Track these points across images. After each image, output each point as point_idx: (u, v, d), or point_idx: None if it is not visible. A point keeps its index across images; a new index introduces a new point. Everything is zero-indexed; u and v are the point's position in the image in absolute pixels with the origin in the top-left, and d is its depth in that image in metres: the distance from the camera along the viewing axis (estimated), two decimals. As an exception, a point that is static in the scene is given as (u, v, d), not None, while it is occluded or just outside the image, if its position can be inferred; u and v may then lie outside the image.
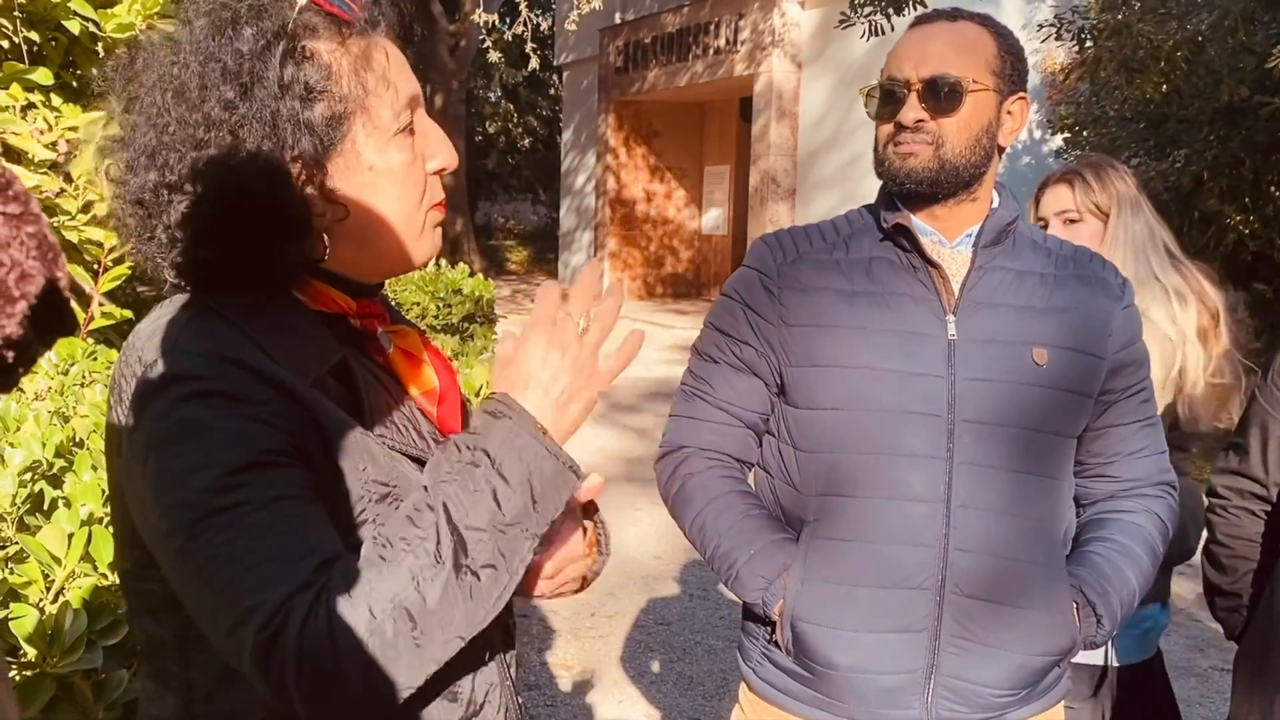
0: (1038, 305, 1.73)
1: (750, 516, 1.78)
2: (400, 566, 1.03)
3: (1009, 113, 1.74)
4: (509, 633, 1.33)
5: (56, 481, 1.95)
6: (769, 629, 1.79)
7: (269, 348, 1.11)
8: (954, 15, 1.74)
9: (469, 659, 1.17)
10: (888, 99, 1.71)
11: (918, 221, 1.74)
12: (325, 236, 1.16)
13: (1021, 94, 1.74)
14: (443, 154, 1.24)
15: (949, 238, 1.75)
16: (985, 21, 1.74)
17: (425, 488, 1.08)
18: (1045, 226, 2.56)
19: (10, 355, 0.44)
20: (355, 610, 1.01)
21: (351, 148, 1.15)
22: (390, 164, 1.17)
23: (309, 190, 1.13)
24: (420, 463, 1.19)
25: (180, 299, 1.17)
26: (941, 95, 1.67)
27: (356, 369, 1.18)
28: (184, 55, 1.11)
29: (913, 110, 1.68)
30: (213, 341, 1.10)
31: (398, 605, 1.02)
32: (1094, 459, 1.84)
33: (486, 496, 1.06)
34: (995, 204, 1.78)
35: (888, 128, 1.72)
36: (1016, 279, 1.75)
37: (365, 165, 1.16)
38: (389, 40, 1.21)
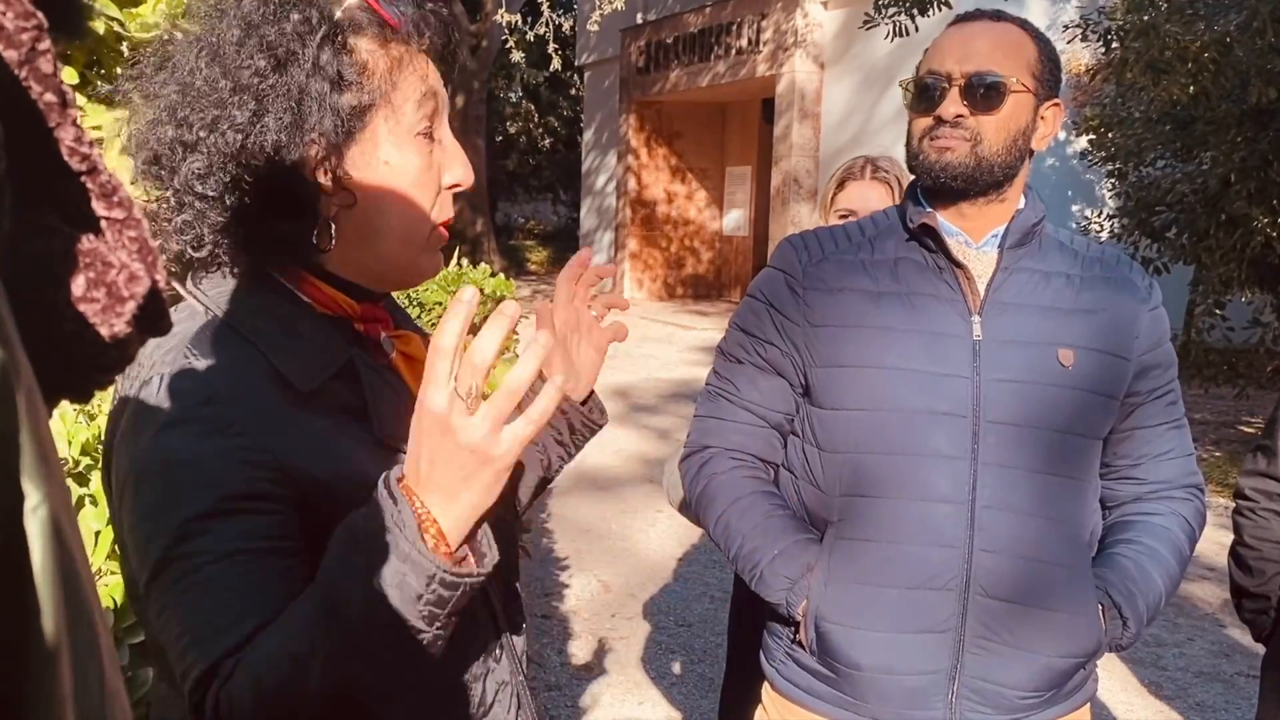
0: (1064, 306, 1.72)
1: (774, 517, 1.78)
2: (283, 643, 1.00)
3: (1043, 117, 1.74)
4: (516, 627, 1.32)
5: (83, 479, 1.96)
6: (793, 629, 1.79)
7: (275, 355, 1.12)
8: (997, 15, 1.73)
9: (475, 657, 1.19)
10: (927, 92, 1.70)
11: (944, 222, 1.74)
12: (332, 226, 1.16)
13: (1056, 100, 1.75)
14: (459, 169, 1.24)
15: (975, 238, 1.75)
16: (1026, 25, 1.74)
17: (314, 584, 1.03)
18: (845, 218, 2.66)
19: (114, 353, 0.46)
20: (246, 696, 0.99)
21: (371, 138, 1.16)
22: (406, 163, 1.18)
23: (321, 171, 1.14)
24: None
25: (187, 307, 1.17)
26: (985, 93, 1.66)
27: (362, 371, 1.18)
28: (226, 23, 1.12)
29: (953, 105, 1.67)
30: (210, 359, 1.10)
31: (278, 691, 0.99)
32: (1120, 461, 1.83)
33: (358, 591, 0.98)
34: (1021, 205, 1.77)
35: (925, 121, 1.71)
36: (1043, 280, 1.74)
37: (381, 159, 1.17)
38: (424, 50, 1.22)
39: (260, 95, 1.10)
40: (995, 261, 1.73)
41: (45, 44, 0.40)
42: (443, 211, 1.24)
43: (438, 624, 0.99)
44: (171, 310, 1.17)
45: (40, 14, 0.40)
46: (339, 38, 1.13)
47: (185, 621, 1.04)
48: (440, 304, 6.14)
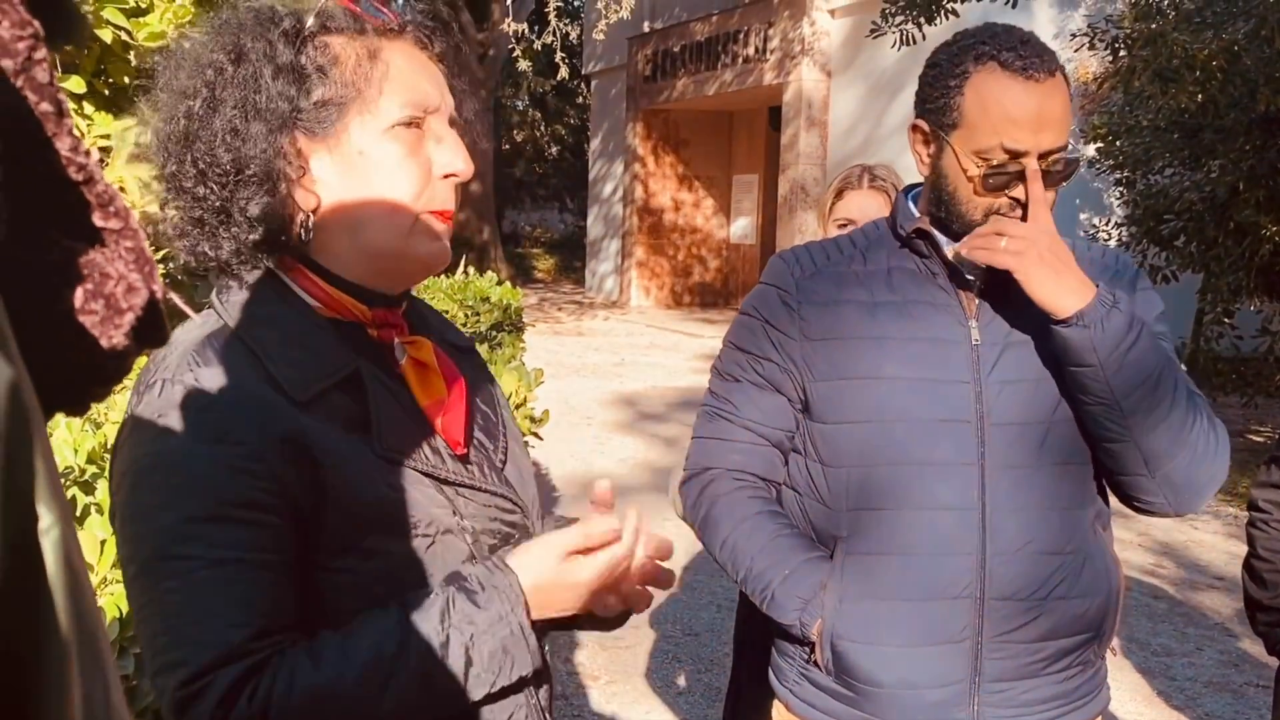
0: None
1: (782, 537, 1.75)
2: (353, 688, 1.08)
3: None
4: (545, 672, 1.33)
5: (88, 488, 1.96)
6: (807, 648, 1.76)
7: (276, 364, 1.14)
8: (1050, 66, 1.61)
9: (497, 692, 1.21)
10: (1000, 172, 1.61)
11: (936, 232, 1.72)
12: (310, 219, 1.19)
13: None
14: (454, 159, 1.24)
15: None
16: (1063, 69, 1.64)
17: (406, 615, 1.13)
18: (844, 227, 2.66)
19: (112, 365, 0.46)
20: (295, 713, 1.06)
21: (344, 129, 1.18)
22: (382, 153, 1.19)
23: (284, 158, 1.16)
24: (431, 477, 1.20)
25: (202, 316, 1.22)
26: (1058, 175, 1.62)
27: (368, 382, 1.19)
28: (204, 30, 1.20)
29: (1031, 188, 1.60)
30: (211, 366, 1.13)
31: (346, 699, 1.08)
32: None
33: (458, 666, 1.13)
34: None
35: (997, 200, 1.63)
36: None
37: (355, 150, 1.19)
38: (417, 49, 1.25)
39: (213, 85, 1.14)
40: (989, 266, 1.72)
41: (41, 53, 0.40)
42: (434, 200, 1.23)
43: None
44: (187, 319, 1.21)
45: (36, 22, 0.39)
46: (305, 32, 1.17)
47: (172, 621, 1.07)
48: (446, 311, 6.15)
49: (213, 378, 1.12)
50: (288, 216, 1.18)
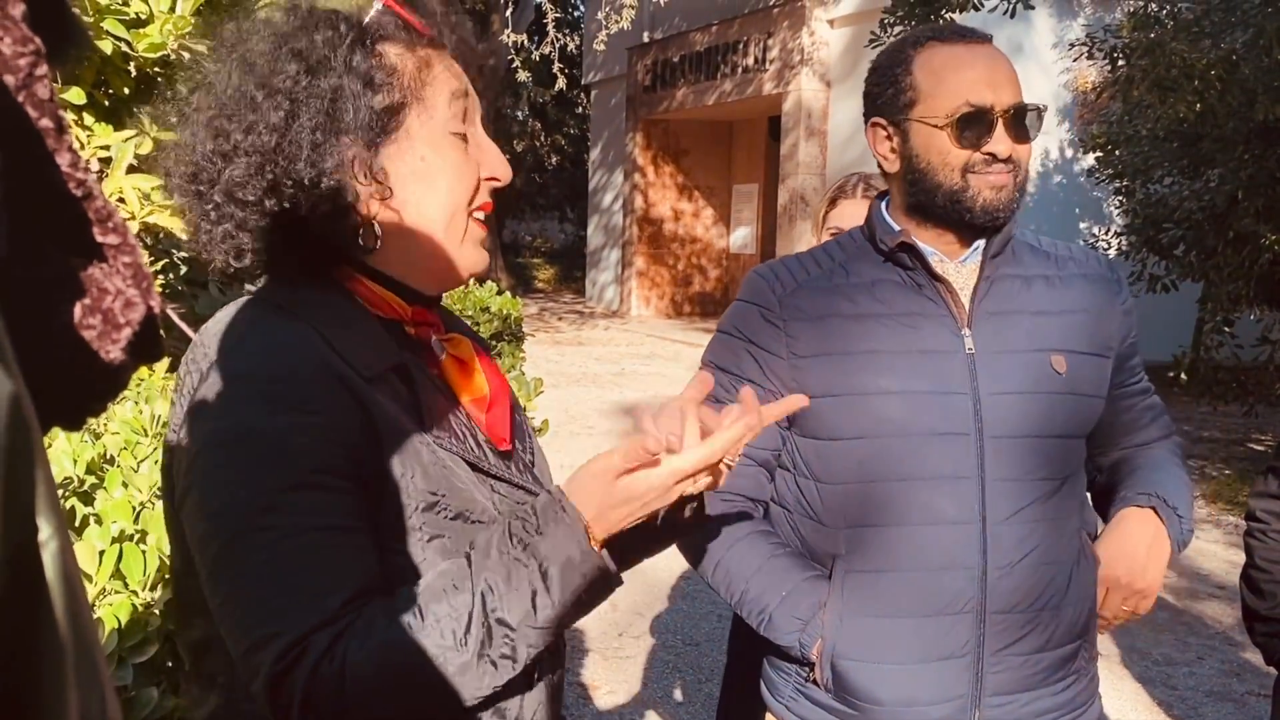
0: (1048, 309, 1.71)
1: (776, 558, 1.73)
2: (425, 638, 1.06)
3: None
4: (559, 654, 1.32)
5: (88, 498, 1.96)
6: (806, 668, 1.74)
7: (335, 344, 1.14)
8: (984, 37, 1.70)
9: (519, 680, 1.18)
10: (971, 124, 1.62)
11: (918, 242, 1.71)
12: (376, 226, 1.19)
13: None
14: (498, 165, 1.28)
15: (951, 256, 1.72)
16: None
17: (469, 559, 1.10)
18: (836, 235, 2.67)
19: (109, 380, 0.47)
20: (368, 668, 1.04)
21: (406, 136, 1.19)
22: (443, 159, 1.22)
23: (359, 169, 1.16)
24: (475, 468, 1.21)
25: (246, 299, 1.20)
26: (1026, 123, 1.64)
27: (415, 373, 1.20)
28: (255, 40, 1.17)
29: (1003, 141, 1.62)
30: (279, 339, 1.12)
31: (412, 675, 1.06)
32: (1113, 441, 1.88)
33: (525, 597, 1.09)
34: None
35: (971, 155, 1.63)
36: (1024, 285, 1.72)
37: (418, 155, 1.20)
38: (456, 61, 1.28)
39: (293, 96, 1.13)
40: (976, 273, 1.71)
41: (42, 69, 0.40)
42: (482, 199, 1.27)
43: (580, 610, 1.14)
44: (233, 303, 1.21)
45: (38, 39, 0.40)
46: (367, 42, 1.18)
47: (264, 594, 1.05)
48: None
49: (281, 350, 1.11)
50: (352, 226, 1.18)
